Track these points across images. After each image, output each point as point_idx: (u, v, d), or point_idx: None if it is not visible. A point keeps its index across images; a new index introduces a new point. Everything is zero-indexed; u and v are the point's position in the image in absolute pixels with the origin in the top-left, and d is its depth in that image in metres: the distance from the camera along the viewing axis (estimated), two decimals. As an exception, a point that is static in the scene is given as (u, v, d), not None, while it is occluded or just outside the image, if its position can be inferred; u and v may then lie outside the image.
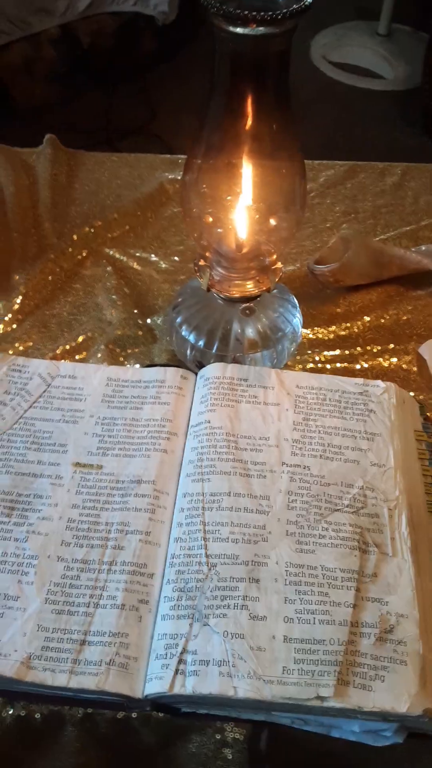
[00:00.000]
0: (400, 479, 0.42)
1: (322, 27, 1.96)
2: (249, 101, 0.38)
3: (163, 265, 0.62)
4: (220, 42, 0.35)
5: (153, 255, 0.63)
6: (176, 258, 0.63)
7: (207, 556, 0.37)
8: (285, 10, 0.33)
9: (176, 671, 0.34)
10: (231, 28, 0.34)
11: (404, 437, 0.45)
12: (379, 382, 0.48)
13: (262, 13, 0.33)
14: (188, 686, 0.33)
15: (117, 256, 0.63)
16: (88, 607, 0.36)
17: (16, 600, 0.37)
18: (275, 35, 0.34)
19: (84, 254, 0.63)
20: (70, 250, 0.62)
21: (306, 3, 0.34)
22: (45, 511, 0.40)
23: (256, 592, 0.36)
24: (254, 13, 0.33)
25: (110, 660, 0.35)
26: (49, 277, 0.60)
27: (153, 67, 1.73)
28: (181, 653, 0.34)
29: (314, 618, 0.35)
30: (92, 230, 0.64)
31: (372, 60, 1.85)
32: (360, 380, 0.48)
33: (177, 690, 0.33)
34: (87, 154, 0.74)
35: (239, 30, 0.34)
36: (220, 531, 0.39)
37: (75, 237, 0.63)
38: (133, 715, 0.36)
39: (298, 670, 0.33)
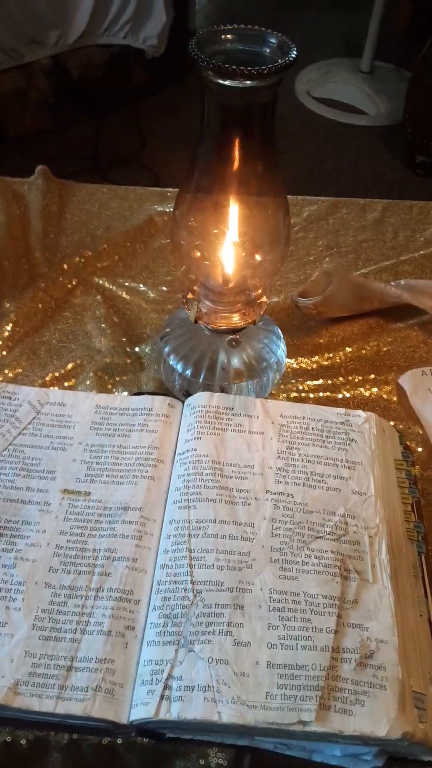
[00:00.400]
0: (380, 507, 0.43)
1: (306, 63, 2.02)
2: (237, 146, 0.39)
3: (152, 295, 0.64)
4: (209, 92, 0.37)
5: (142, 285, 0.65)
6: (164, 288, 0.65)
7: (192, 582, 0.38)
8: (271, 66, 0.35)
9: (162, 697, 0.34)
10: (220, 81, 0.36)
11: (384, 466, 0.46)
12: (360, 412, 0.49)
13: (249, 68, 0.35)
14: (173, 712, 0.34)
15: (106, 285, 0.65)
16: (75, 633, 0.37)
17: (4, 626, 0.37)
18: (262, 88, 0.36)
19: (74, 283, 0.64)
20: (61, 279, 0.64)
21: (291, 58, 0.36)
22: (33, 537, 0.41)
23: (241, 618, 0.37)
24: (242, 68, 0.35)
25: (96, 686, 0.35)
26: (39, 305, 0.61)
27: (143, 99, 1.77)
28: (167, 679, 0.35)
29: (297, 644, 0.36)
30: (82, 260, 0.66)
31: (355, 96, 1.91)
32: (342, 410, 0.49)
33: (162, 715, 0.34)
34: (78, 185, 0.76)
35: (228, 83, 0.36)
36: (205, 558, 0.39)
37: (65, 266, 0.65)
38: (118, 741, 0.36)
39: (281, 695, 0.34)
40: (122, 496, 0.43)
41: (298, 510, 0.42)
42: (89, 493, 0.44)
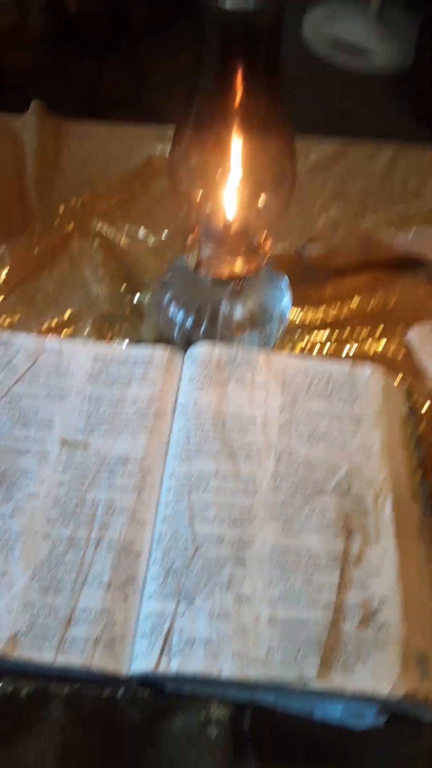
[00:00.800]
0: (385, 464, 0.42)
1: (313, 3, 1.92)
2: (239, 78, 0.37)
3: (152, 240, 0.61)
4: (208, 18, 0.35)
5: (142, 230, 0.62)
6: (165, 233, 0.62)
7: (193, 536, 0.38)
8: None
9: (162, 650, 0.34)
10: (220, 4, 0.33)
11: (389, 422, 0.45)
12: (366, 366, 0.48)
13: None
14: (173, 665, 0.33)
15: (104, 229, 0.62)
16: (74, 584, 0.36)
17: (3, 577, 0.37)
18: (265, 12, 0.34)
19: (71, 227, 0.62)
20: (57, 222, 0.61)
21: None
22: (31, 487, 0.40)
23: (242, 572, 0.36)
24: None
25: (96, 638, 0.35)
26: (36, 250, 0.59)
27: (144, 38, 1.69)
28: (167, 632, 0.34)
29: (299, 600, 0.35)
30: (79, 202, 0.63)
31: (364, 38, 1.83)
32: (347, 364, 0.48)
33: (162, 669, 0.34)
34: (74, 123, 0.72)
35: (228, 5, 0.33)
36: (206, 511, 0.39)
37: (62, 209, 0.62)
38: (118, 694, 0.36)
39: (282, 651, 0.34)
40: (122, 447, 0.42)
41: (301, 465, 0.41)
42: (88, 444, 0.43)
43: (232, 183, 0.44)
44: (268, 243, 0.47)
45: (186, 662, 0.33)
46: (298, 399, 0.45)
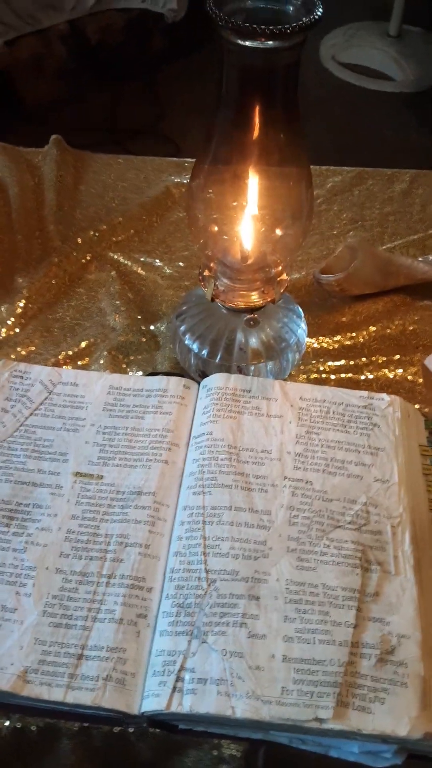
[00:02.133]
0: (404, 495, 0.41)
1: (331, 27, 1.95)
2: (257, 113, 0.37)
3: (168, 271, 0.62)
4: (228, 54, 0.35)
5: (158, 260, 0.63)
6: (181, 263, 0.63)
7: (207, 571, 0.37)
8: (295, 24, 0.33)
9: (174, 689, 0.33)
10: (240, 41, 0.33)
11: (409, 452, 0.44)
12: (383, 395, 0.47)
13: (272, 27, 0.32)
14: (185, 705, 0.33)
15: (121, 260, 0.63)
16: (86, 620, 0.36)
17: (14, 612, 0.36)
18: (285, 49, 0.34)
19: (88, 258, 0.62)
20: (75, 253, 0.62)
21: (316, 16, 0.34)
22: (44, 521, 0.40)
23: (256, 609, 0.36)
24: (263, 27, 0.32)
25: (107, 675, 0.34)
26: (53, 281, 0.60)
27: (162, 66, 1.72)
28: (179, 670, 0.34)
29: (314, 637, 0.35)
30: (97, 234, 0.64)
31: (382, 61, 1.84)
32: (364, 393, 0.47)
33: (174, 708, 0.33)
34: (93, 155, 0.73)
35: (248, 43, 0.33)
36: (220, 546, 0.38)
37: (79, 240, 0.63)
38: (129, 730, 0.36)
39: (297, 690, 0.33)
40: (135, 480, 0.42)
41: (318, 498, 0.41)
42: (102, 476, 0.43)
43: (248, 215, 0.44)
44: (285, 275, 0.47)
45: (198, 702, 0.33)
46: (313, 430, 0.45)
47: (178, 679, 0.34)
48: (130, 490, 0.42)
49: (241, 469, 0.42)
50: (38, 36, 1.50)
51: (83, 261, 0.62)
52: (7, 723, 0.36)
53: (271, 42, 0.34)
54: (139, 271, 0.62)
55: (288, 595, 0.36)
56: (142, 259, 0.63)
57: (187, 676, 0.34)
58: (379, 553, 0.38)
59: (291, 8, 0.36)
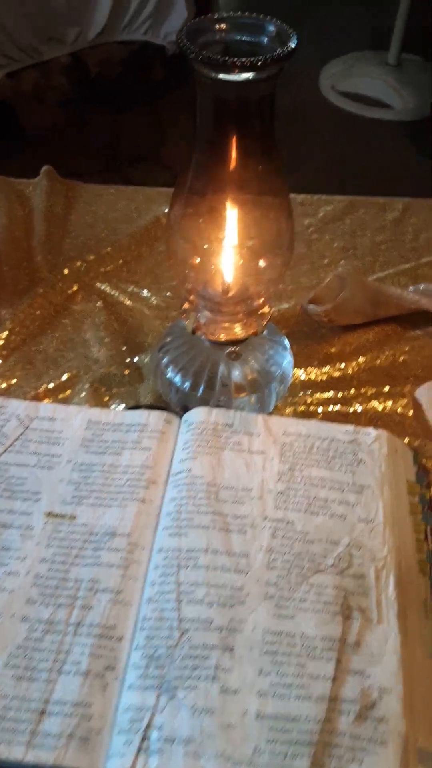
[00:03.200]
0: (389, 536, 0.40)
1: (331, 57, 1.97)
2: (233, 145, 0.36)
3: (155, 301, 0.61)
4: (201, 87, 0.34)
5: (145, 290, 0.62)
6: (169, 294, 0.62)
7: (179, 620, 0.35)
8: (268, 56, 0.32)
9: (139, 749, 0.31)
10: (213, 75, 0.33)
11: (395, 489, 0.43)
12: (370, 429, 0.46)
13: (245, 59, 0.32)
14: (150, 765, 0.31)
15: (108, 290, 0.62)
16: (50, 672, 0.34)
17: (-24, 662, 0.35)
18: (259, 80, 0.33)
19: (75, 288, 0.62)
20: (61, 284, 0.61)
21: (290, 47, 0.33)
22: (12, 565, 0.38)
23: (230, 661, 0.34)
24: (237, 60, 0.32)
25: (71, 732, 0.32)
26: (38, 312, 0.59)
27: (163, 96, 1.74)
28: (146, 728, 0.32)
29: (290, 692, 0.33)
30: (84, 264, 0.63)
31: (381, 90, 1.85)
32: (350, 428, 0.46)
33: (139, 769, 0.31)
34: (84, 185, 0.73)
35: (222, 76, 0.33)
36: (194, 592, 0.36)
37: (66, 271, 0.62)
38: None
39: (270, 750, 0.31)
40: (110, 520, 0.41)
41: (299, 539, 0.39)
42: (75, 516, 0.41)
43: (228, 247, 0.43)
44: (267, 307, 0.46)
45: (165, 762, 0.31)
46: (296, 466, 0.43)
47: (145, 737, 0.32)
48: (103, 531, 0.40)
49: (219, 509, 0.40)
50: (39, 68, 1.52)
51: (69, 292, 0.61)
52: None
53: (245, 74, 0.33)
54: (126, 301, 0.61)
55: (264, 646, 0.34)
56: (129, 290, 0.62)
57: (154, 735, 0.32)
58: (361, 599, 0.36)
59: (266, 39, 0.36)
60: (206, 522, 0.39)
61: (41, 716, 0.33)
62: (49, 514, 0.41)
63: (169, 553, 0.38)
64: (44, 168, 0.72)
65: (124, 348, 0.56)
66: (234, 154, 0.37)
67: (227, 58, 0.33)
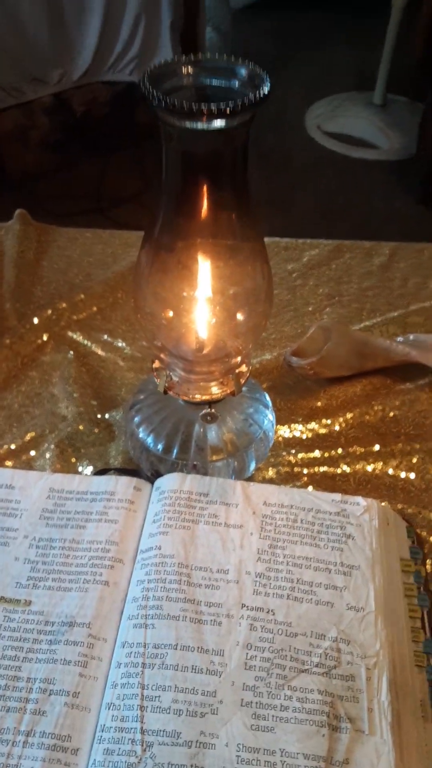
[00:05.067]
0: (382, 627, 0.35)
1: (317, 98, 1.98)
2: (203, 200, 0.33)
3: (129, 351, 0.57)
4: (167, 138, 0.31)
5: (120, 340, 0.58)
6: (144, 343, 0.58)
7: (143, 731, 0.31)
8: (238, 101, 0.29)
9: None
10: (178, 123, 0.29)
11: (388, 570, 0.38)
12: (359, 498, 0.42)
13: (213, 105, 0.29)
14: None
15: (80, 340, 0.58)
16: (-8, 798, 0.29)
17: None
18: (231, 129, 0.30)
19: (44, 338, 0.58)
20: (29, 334, 0.57)
21: (263, 92, 0.30)
22: None
23: (199, 786, 0.29)
24: (204, 105, 0.29)
25: None
26: (3, 365, 0.55)
27: (148, 137, 1.74)
28: None
29: None
30: (56, 313, 0.60)
31: (367, 130, 1.86)
32: (337, 496, 0.42)
33: None
34: (58, 229, 0.70)
35: (188, 124, 0.29)
36: (160, 697, 0.32)
37: (36, 320, 0.59)
38: None
39: None
40: (69, 606, 0.36)
41: (280, 632, 0.35)
42: (30, 601, 0.37)
43: (202, 302, 0.39)
44: (244, 366, 0.43)
45: None
46: (278, 543, 0.39)
47: None
48: (61, 620, 0.36)
49: (192, 595, 0.36)
50: (22, 108, 1.51)
51: (38, 342, 0.58)
52: None
53: (215, 122, 0.30)
54: (99, 351, 0.57)
55: (239, 765, 0.30)
56: (103, 339, 0.59)
57: None
58: (350, 705, 0.32)
59: (237, 83, 0.33)
60: (176, 612, 0.35)
61: None
62: (1, 599, 0.36)
63: (133, 648, 0.34)
64: (17, 211, 0.69)
65: (95, 403, 0.52)
66: (205, 206, 0.34)
67: (194, 104, 0.30)
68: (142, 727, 0.31)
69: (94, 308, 0.62)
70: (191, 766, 0.30)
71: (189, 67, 0.32)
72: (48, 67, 1.52)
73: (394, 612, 0.37)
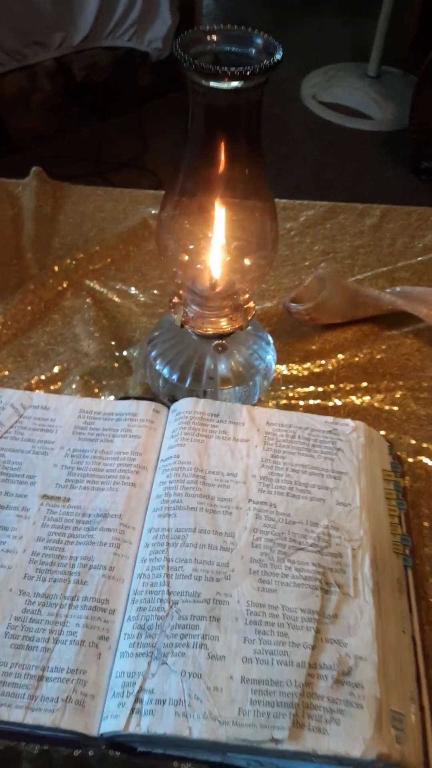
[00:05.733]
0: (365, 519, 0.42)
1: (313, 68, 2.01)
2: (222, 149, 0.39)
3: (143, 298, 0.63)
4: (193, 94, 0.37)
5: (133, 288, 0.64)
6: (156, 291, 0.64)
7: (169, 593, 0.38)
8: (255, 66, 0.35)
9: (132, 710, 0.33)
10: (204, 82, 0.35)
11: (371, 476, 0.45)
12: (348, 420, 0.48)
13: (234, 69, 0.34)
14: (143, 725, 0.33)
15: (97, 288, 0.64)
16: (47, 642, 0.36)
17: (-24, 633, 0.37)
18: (247, 89, 0.36)
19: (64, 285, 0.64)
20: (51, 281, 0.63)
21: (276, 59, 0.35)
22: (9, 543, 0.40)
23: (216, 631, 0.36)
24: (226, 69, 0.34)
25: (67, 697, 0.34)
26: (29, 307, 0.61)
27: (147, 102, 1.77)
28: (138, 692, 0.34)
29: (272, 659, 0.35)
30: (74, 262, 0.65)
31: (361, 101, 1.90)
32: (329, 419, 0.48)
33: (132, 729, 0.33)
34: (72, 186, 0.75)
35: (213, 84, 0.35)
36: (183, 568, 0.39)
37: (56, 268, 0.64)
38: (89, 753, 0.35)
39: (254, 711, 0.33)
40: (102, 502, 0.43)
41: (281, 520, 0.41)
42: (68, 499, 0.43)
43: (216, 245, 0.45)
44: (252, 303, 0.49)
45: (156, 722, 0.33)
46: (279, 454, 0.46)
47: (137, 700, 0.34)
48: (96, 512, 0.42)
49: (206, 492, 0.43)
50: (24, 72, 1.54)
51: (59, 288, 0.63)
52: (-35, 747, 0.36)
53: (234, 83, 0.36)
54: (115, 298, 0.63)
55: (248, 616, 0.37)
56: (117, 287, 0.64)
57: (145, 697, 0.34)
58: (338, 575, 0.39)
59: (254, 51, 0.38)
60: (194, 504, 0.42)
61: (39, 682, 0.35)
62: (44, 497, 0.43)
63: (158, 532, 0.41)
64: (34, 169, 0.74)
65: (113, 342, 0.58)
66: (223, 157, 0.40)
67: (219, 67, 0.35)
68: (168, 590, 0.38)
69: (108, 259, 0.67)
70: (210, 617, 0.37)
71: (212, 35, 0.38)
72: (49, 31, 1.54)
73: (375, 509, 0.43)
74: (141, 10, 1.65)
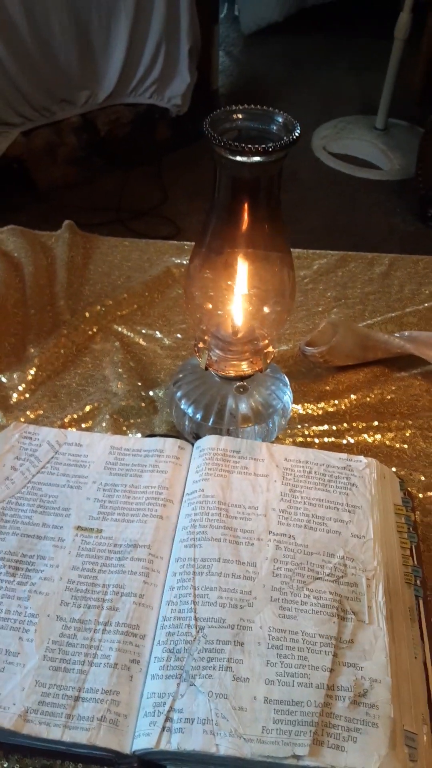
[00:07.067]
0: (379, 550, 0.45)
1: (323, 120, 2.10)
2: (245, 212, 0.43)
3: (167, 342, 0.67)
4: (221, 165, 0.41)
5: (158, 332, 0.68)
6: (179, 335, 0.68)
7: (196, 619, 0.40)
8: (276, 144, 0.39)
9: (163, 728, 0.36)
10: (230, 157, 0.40)
11: (384, 510, 0.48)
12: (361, 457, 0.51)
13: (256, 146, 0.39)
14: (173, 743, 0.35)
15: (125, 332, 0.68)
16: (83, 665, 0.39)
17: (17, 656, 0.39)
18: (268, 163, 0.40)
19: (94, 330, 0.68)
20: (82, 326, 0.67)
21: (295, 136, 0.40)
22: (47, 571, 0.43)
23: (240, 654, 0.39)
24: (250, 146, 0.39)
25: (102, 716, 0.37)
26: (62, 351, 0.65)
27: (166, 154, 1.85)
28: (168, 711, 0.37)
29: (293, 681, 0.37)
30: (103, 308, 0.70)
31: (370, 152, 1.98)
32: (344, 455, 0.51)
33: (163, 746, 0.35)
34: (101, 238, 0.80)
35: (238, 158, 0.40)
36: (208, 595, 0.41)
37: (87, 314, 0.69)
38: (121, 772, 0.38)
39: (277, 729, 0.36)
40: (132, 533, 0.46)
41: (299, 551, 0.44)
42: (101, 530, 0.46)
43: (239, 295, 0.50)
44: (271, 347, 0.53)
45: (185, 740, 0.35)
46: (297, 488, 0.49)
47: (167, 719, 0.36)
48: (127, 543, 0.45)
49: (229, 524, 0.46)
50: (52, 127, 1.63)
51: (90, 332, 0.68)
52: (6, 765, 0.39)
53: (256, 158, 0.40)
54: (141, 342, 0.67)
55: (270, 641, 0.39)
56: (143, 331, 0.69)
57: (175, 716, 0.36)
58: (354, 603, 0.42)
59: (275, 127, 0.43)
60: (218, 535, 0.45)
61: (76, 702, 0.37)
62: (78, 528, 0.46)
63: (185, 561, 0.43)
64: (66, 222, 0.80)
65: (140, 383, 0.62)
66: (246, 218, 0.44)
67: (244, 144, 0.40)
68: (195, 616, 0.40)
69: (135, 306, 0.72)
70: (234, 642, 0.39)
71: (238, 114, 0.43)
72: (76, 89, 1.63)
73: (388, 542, 0.46)
74: (162, 69, 1.75)
